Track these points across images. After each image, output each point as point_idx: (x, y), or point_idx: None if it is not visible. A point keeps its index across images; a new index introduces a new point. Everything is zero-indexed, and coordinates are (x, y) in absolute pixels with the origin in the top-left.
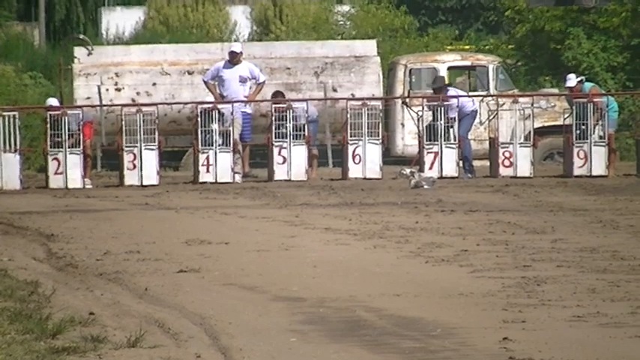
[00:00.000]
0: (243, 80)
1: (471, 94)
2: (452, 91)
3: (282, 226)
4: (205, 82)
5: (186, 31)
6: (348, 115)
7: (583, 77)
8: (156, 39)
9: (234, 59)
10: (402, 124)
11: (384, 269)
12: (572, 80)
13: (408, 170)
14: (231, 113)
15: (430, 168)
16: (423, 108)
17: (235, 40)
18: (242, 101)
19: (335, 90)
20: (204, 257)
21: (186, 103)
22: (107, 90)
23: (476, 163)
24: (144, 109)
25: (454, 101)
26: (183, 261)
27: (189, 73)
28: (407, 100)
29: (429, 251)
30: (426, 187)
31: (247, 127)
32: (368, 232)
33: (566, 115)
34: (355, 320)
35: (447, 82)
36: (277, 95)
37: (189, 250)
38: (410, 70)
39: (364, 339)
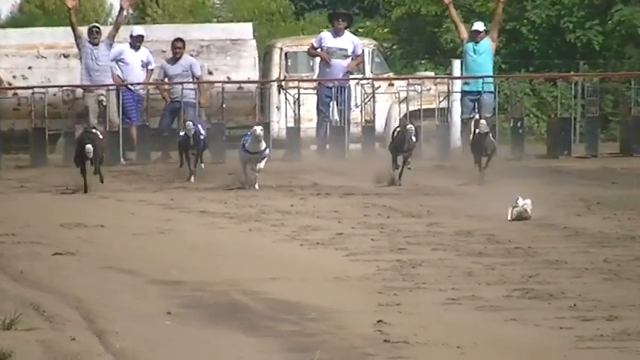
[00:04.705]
0: (143, 65)
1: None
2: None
3: (158, 210)
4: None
5: (62, 15)
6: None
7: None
8: (32, 22)
9: (137, 43)
10: (278, 108)
11: (261, 253)
12: (481, 25)
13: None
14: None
15: None
16: (299, 91)
17: (111, 24)
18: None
19: (211, 73)
20: (81, 240)
21: (61, 87)
22: None
23: (351, 146)
24: (19, 92)
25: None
26: (59, 244)
27: (65, 56)
28: (282, 83)
29: (304, 234)
30: (528, 212)
31: (134, 108)
32: (244, 215)
33: (441, 99)
34: (232, 304)
35: None
36: (178, 41)
37: (66, 233)
38: (286, 54)
39: (241, 322)
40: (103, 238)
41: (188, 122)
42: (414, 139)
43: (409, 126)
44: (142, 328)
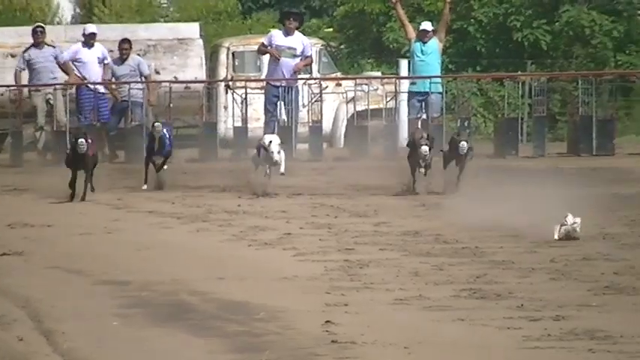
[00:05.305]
0: (100, 61)
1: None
2: None
3: (105, 210)
4: (63, 63)
5: (10, 15)
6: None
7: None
8: None
9: (90, 41)
10: (225, 107)
11: (208, 253)
12: (429, 25)
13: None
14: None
15: None
16: (246, 91)
17: (58, 23)
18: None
19: (158, 73)
20: (28, 240)
21: (9, 86)
22: None
23: (299, 146)
24: None
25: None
26: (6, 244)
27: (13, 56)
28: (230, 83)
29: (252, 234)
30: (577, 231)
31: (91, 107)
32: (191, 215)
33: (388, 99)
34: (179, 304)
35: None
36: (125, 42)
37: (13, 233)
38: (233, 53)
39: (188, 322)
40: (50, 238)
41: (157, 124)
42: (426, 150)
43: (424, 136)
44: (90, 328)
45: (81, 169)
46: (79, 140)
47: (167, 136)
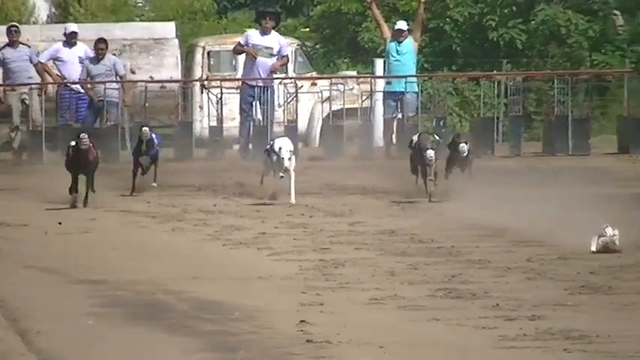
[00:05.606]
0: (80, 61)
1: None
2: None
3: (81, 209)
4: (41, 64)
5: None
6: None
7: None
8: None
9: (72, 40)
10: (200, 107)
11: (184, 252)
12: (404, 24)
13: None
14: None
15: None
16: (221, 90)
17: (34, 23)
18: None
19: (133, 72)
20: (4, 239)
21: None
22: None
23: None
24: None
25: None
26: None
27: None
28: (205, 82)
29: (227, 234)
30: (617, 244)
31: (84, 108)
32: (167, 214)
33: (364, 98)
34: (155, 303)
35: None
36: (101, 41)
37: None
38: (208, 53)
39: (164, 322)
40: (26, 238)
41: (144, 129)
42: (431, 154)
43: (430, 138)
44: (65, 327)
45: (82, 173)
46: (81, 135)
47: (154, 140)
